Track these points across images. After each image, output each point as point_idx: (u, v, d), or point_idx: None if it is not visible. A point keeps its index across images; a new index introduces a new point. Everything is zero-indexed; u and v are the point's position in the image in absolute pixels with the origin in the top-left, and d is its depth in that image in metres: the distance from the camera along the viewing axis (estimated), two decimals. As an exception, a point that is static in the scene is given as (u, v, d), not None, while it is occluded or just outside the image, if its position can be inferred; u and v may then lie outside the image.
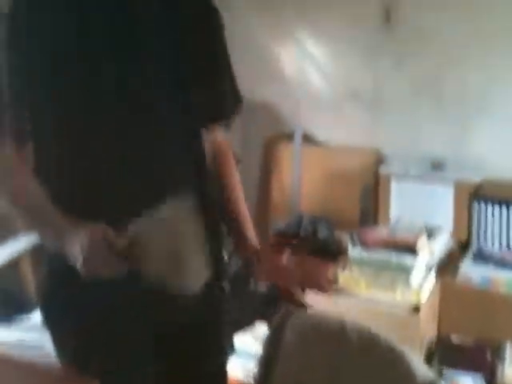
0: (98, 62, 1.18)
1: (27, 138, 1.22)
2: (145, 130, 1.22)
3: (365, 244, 2.24)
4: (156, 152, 1.23)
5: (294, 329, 1.46)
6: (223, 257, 1.47)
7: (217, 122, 1.38)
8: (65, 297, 1.25)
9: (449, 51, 2.79)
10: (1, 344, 2.28)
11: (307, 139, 3.22)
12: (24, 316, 2.49)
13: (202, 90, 1.29)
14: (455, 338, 2.30)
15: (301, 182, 3.20)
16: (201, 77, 1.29)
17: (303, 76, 3.18)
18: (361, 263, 2.23)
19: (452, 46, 2.77)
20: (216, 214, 1.37)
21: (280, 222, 3.14)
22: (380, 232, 2.30)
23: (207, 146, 1.35)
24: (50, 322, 1.31)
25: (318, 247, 2.80)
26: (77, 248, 1.08)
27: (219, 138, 1.40)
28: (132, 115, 1.21)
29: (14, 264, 2.52)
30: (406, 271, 2.15)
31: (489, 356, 2.18)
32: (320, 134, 3.21)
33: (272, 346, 1.44)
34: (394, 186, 2.77)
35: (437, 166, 2.72)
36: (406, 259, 2.15)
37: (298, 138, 3.21)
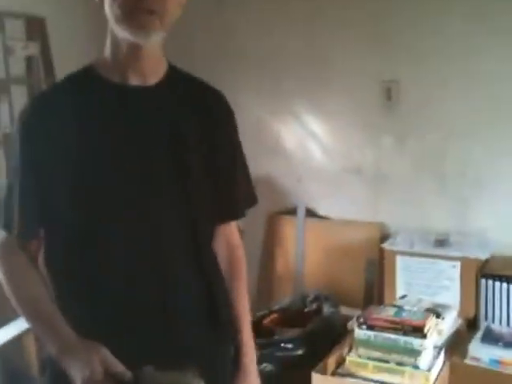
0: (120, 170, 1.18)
1: (33, 236, 1.21)
2: (157, 244, 1.21)
3: (371, 325, 2.19)
4: (168, 279, 1.22)
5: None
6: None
7: (232, 220, 1.38)
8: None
9: (450, 128, 2.83)
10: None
11: (310, 213, 3.22)
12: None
13: (222, 194, 1.30)
14: (466, 422, 2.22)
15: (304, 256, 3.18)
16: (223, 181, 1.30)
17: (305, 151, 3.22)
18: (367, 345, 2.18)
19: (453, 123, 2.82)
20: (226, 314, 1.35)
21: (283, 297, 3.10)
22: (386, 312, 2.25)
23: (221, 243, 1.35)
24: None
25: (322, 325, 2.75)
26: (76, 373, 1.05)
27: (234, 233, 1.40)
28: (146, 230, 1.20)
29: (17, 343, 2.48)
30: (414, 354, 2.09)
31: None
32: (323, 208, 3.22)
33: None
34: (399, 262, 2.74)
35: (441, 242, 2.70)
36: (414, 342, 2.10)
37: (301, 212, 3.21)
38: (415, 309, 2.30)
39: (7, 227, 1.21)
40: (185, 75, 1.31)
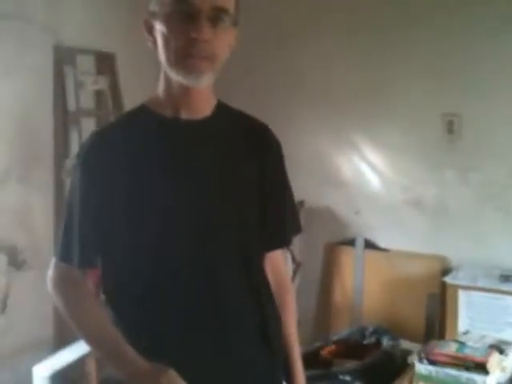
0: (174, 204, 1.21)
1: (91, 265, 1.25)
2: (216, 278, 1.24)
3: (432, 360, 2.15)
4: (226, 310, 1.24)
5: None
6: None
7: (279, 248, 1.40)
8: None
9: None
10: None
11: (370, 245, 3.20)
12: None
13: (271, 221, 1.32)
14: None
15: (363, 287, 3.15)
16: (272, 209, 1.32)
17: (365, 183, 3.21)
18: (428, 380, 2.14)
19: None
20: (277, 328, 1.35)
21: (342, 328, 3.06)
22: (449, 347, 2.20)
23: (268, 272, 1.35)
24: None
25: (382, 358, 2.70)
26: None
27: (280, 261, 1.41)
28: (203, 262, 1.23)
29: (79, 365, 2.54)
30: (477, 391, 2.04)
31: None
32: (382, 239, 3.18)
33: None
34: (462, 297, 2.68)
35: (507, 278, 2.63)
36: (476, 378, 2.05)
37: (360, 244, 3.20)
38: (478, 345, 2.24)
39: (67, 258, 1.25)
40: (232, 110, 1.35)
